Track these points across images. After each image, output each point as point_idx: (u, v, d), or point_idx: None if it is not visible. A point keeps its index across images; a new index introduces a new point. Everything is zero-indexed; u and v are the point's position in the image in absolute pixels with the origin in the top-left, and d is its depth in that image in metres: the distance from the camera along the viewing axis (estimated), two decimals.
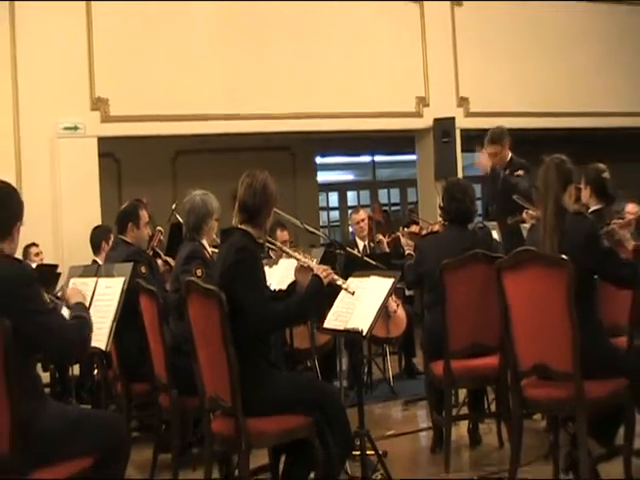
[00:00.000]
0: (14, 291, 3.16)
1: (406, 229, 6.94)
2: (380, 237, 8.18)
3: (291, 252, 4.16)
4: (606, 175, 5.06)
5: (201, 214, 5.06)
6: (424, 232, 6.42)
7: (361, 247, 7.83)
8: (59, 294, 4.30)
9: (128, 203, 5.68)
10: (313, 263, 3.99)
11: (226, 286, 3.74)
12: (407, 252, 6.29)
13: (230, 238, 3.95)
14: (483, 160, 6.72)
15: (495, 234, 5.95)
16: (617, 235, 4.67)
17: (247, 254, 3.83)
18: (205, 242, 5.08)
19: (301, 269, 3.97)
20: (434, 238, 5.59)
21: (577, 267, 3.74)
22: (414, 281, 5.48)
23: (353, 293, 3.97)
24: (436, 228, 6.06)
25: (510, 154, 6.78)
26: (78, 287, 3.86)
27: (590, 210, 4.80)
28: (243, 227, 3.94)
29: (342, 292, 4.18)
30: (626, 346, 4.36)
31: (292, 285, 4.09)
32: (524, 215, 5.76)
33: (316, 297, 3.87)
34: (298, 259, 4.00)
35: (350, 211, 9.93)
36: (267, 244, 4.28)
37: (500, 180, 6.55)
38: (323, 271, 3.88)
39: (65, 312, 3.83)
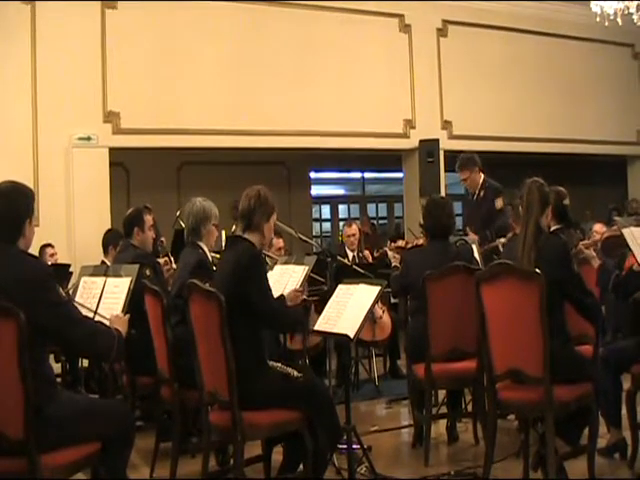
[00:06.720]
0: (33, 285, 3.13)
1: (393, 243, 6.95)
2: (366, 252, 8.18)
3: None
4: (566, 201, 4.97)
5: (200, 217, 5.01)
6: (409, 245, 6.42)
7: (350, 257, 7.88)
8: (70, 292, 4.30)
9: (133, 209, 5.63)
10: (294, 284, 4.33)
11: (235, 287, 3.78)
12: (393, 264, 6.28)
13: (237, 245, 3.99)
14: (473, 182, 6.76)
15: (475, 252, 5.98)
16: (583, 254, 4.70)
17: (259, 261, 3.95)
18: (204, 246, 5.04)
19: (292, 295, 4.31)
20: (419, 251, 5.59)
21: (549, 281, 3.77)
22: (399, 290, 5.52)
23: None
24: (421, 242, 6.06)
25: (482, 177, 6.78)
26: (120, 315, 3.79)
27: (550, 230, 4.78)
28: (245, 236, 3.98)
29: (332, 298, 4.28)
30: (591, 354, 4.40)
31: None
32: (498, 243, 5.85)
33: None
34: None
35: (342, 223, 9.94)
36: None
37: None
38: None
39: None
